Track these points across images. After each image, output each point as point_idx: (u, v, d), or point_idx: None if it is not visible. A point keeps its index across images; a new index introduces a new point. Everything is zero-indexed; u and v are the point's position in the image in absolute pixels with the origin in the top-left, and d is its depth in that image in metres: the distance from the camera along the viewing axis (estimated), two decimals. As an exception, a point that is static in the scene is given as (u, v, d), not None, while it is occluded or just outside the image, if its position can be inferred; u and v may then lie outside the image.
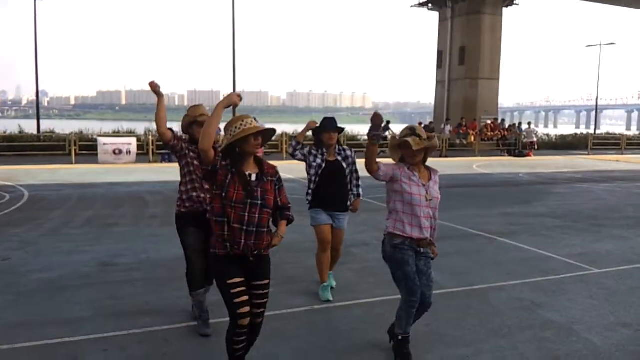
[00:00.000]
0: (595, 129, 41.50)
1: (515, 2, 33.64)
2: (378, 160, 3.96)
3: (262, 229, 3.56)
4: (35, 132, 26.16)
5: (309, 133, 5.73)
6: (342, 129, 5.63)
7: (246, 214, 3.47)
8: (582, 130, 47.44)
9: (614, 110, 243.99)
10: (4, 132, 24.79)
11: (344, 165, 5.51)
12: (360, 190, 5.73)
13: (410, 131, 4.01)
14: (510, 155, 27.54)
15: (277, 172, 3.74)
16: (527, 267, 6.94)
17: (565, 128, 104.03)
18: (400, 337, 4.16)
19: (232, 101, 3.61)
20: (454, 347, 4.45)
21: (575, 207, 11.95)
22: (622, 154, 30.07)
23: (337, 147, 5.54)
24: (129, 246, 7.76)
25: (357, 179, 5.69)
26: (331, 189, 5.44)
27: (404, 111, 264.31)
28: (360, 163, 5.05)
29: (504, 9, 33.32)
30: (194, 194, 4.55)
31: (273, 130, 3.87)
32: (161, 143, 20.33)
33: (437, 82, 34.50)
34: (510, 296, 5.85)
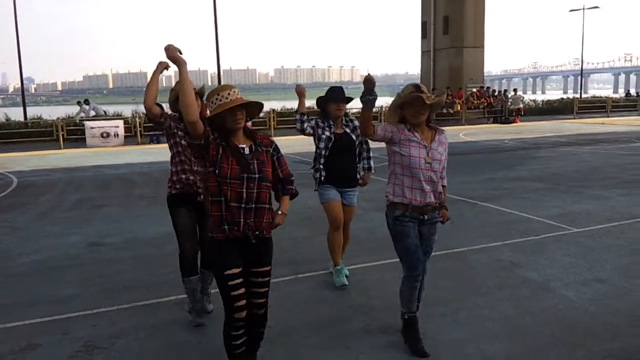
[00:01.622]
0: (581, 93, 41.56)
1: (498, -32, 33.38)
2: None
3: (262, 205, 3.27)
4: (22, 119, 25.98)
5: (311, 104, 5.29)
6: (351, 99, 5.20)
7: (244, 190, 3.19)
8: (570, 95, 47.44)
9: (601, 74, 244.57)
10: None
11: (353, 137, 5.13)
12: (372, 162, 5.35)
13: (415, 88, 3.72)
14: (496, 122, 27.67)
15: (272, 142, 3.42)
16: (507, 229, 7.11)
17: (554, 94, 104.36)
18: (405, 317, 3.95)
19: (169, 56, 3.24)
20: (433, 306, 4.60)
21: (558, 170, 12.14)
22: (608, 116, 30.28)
23: (343, 118, 5.16)
24: (117, 226, 7.87)
25: (368, 150, 5.32)
26: (340, 164, 5.08)
27: (392, 83, 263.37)
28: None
29: (487, -24, 33.11)
30: (183, 176, 4.32)
31: (255, 104, 3.38)
32: (149, 124, 20.36)
33: (423, 52, 34.38)
34: (489, 257, 6.02)
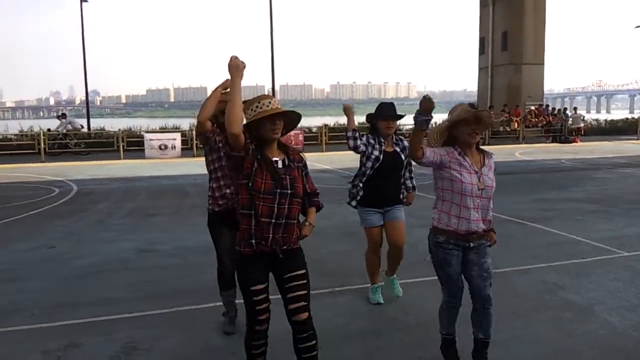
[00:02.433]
0: (647, 113, 40.05)
1: (559, -17, 32.70)
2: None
3: (292, 220, 3.27)
4: (86, 130, 27.17)
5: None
6: (402, 116, 5.01)
7: (275, 205, 3.18)
8: (636, 115, 45.73)
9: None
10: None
11: (402, 157, 4.96)
12: (415, 182, 5.26)
13: (472, 107, 3.52)
14: (555, 141, 26.94)
15: (302, 158, 3.42)
16: (554, 251, 6.93)
17: (619, 113, 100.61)
18: (442, 337, 3.89)
19: (231, 63, 3.21)
20: (467, 328, 4.54)
21: (614, 192, 11.72)
22: (675, 137, 28.97)
23: (393, 136, 4.99)
24: (168, 234, 8.13)
25: (410, 171, 5.19)
26: (385, 184, 4.92)
27: (450, 100, 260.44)
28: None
29: (548, -9, 32.46)
30: (227, 190, 4.27)
31: (295, 114, 3.38)
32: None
33: (480, 68, 33.92)
34: (533, 279, 5.89)
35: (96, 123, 30.96)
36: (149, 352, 4.22)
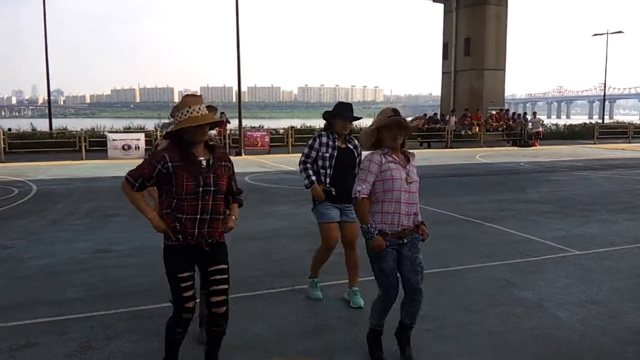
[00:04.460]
0: (603, 119, 41.18)
1: (520, -9, 33.53)
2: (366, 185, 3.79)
3: (217, 215, 3.50)
4: (48, 129, 26.68)
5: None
6: (359, 118, 5.25)
7: (199, 202, 3.40)
8: (595, 120, 47.07)
9: (627, 100, 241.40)
10: (17, 130, 25.29)
11: (355, 153, 5.12)
12: None
13: (394, 112, 3.80)
14: (515, 145, 27.58)
15: (229, 159, 3.67)
16: (508, 250, 7.14)
17: (579, 119, 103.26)
18: (371, 327, 4.06)
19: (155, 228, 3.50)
20: (421, 322, 4.64)
21: (569, 193, 12.10)
22: (630, 142, 29.96)
23: (346, 135, 5.12)
24: (126, 235, 8.07)
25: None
26: (343, 179, 4.98)
27: (416, 104, 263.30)
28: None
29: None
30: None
31: (220, 122, 3.89)
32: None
33: (443, 73, 34.49)
34: (485, 276, 6.06)
35: (59, 123, 30.35)
36: (104, 351, 4.21)
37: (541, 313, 4.98)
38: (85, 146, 21.79)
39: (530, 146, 26.85)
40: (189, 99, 3.49)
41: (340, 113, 4.98)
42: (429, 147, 26.70)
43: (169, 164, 3.38)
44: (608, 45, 40.12)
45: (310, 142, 5.13)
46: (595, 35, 42.00)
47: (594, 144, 28.95)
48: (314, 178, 5.03)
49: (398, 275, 3.89)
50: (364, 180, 3.78)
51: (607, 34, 40.36)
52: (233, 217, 3.67)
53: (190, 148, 3.45)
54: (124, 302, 5.19)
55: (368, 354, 4.08)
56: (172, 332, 3.60)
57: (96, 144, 22.49)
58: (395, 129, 3.76)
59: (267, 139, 23.97)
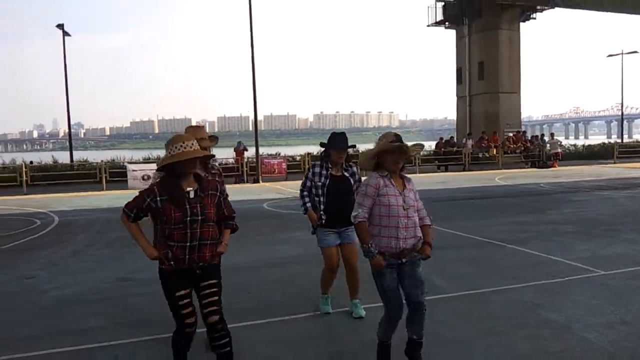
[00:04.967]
0: (622, 138, 40.80)
1: (532, 16, 33.72)
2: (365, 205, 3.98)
3: (206, 241, 3.73)
4: (69, 161, 27.10)
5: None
6: (353, 146, 5.52)
7: (188, 231, 3.65)
8: (614, 139, 46.64)
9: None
10: (39, 162, 25.71)
11: (352, 181, 5.35)
12: None
13: (396, 138, 3.97)
14: (534, 166, 27.37)
15: (217, 186, 3.91)
16: (533, 271, 7.02)
17: (597, 139, 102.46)
18: (378, 342, 4.18)
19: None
20: (446, 346, 4.59)
21: (592, 213, 11.92)
22: (651, 161, 29.59)
23: (343, 163, 5.37)
24: (148, 263, 8.01)
25: None
26: (339, 205, 5.22)
27: (431, 128, 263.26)
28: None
29: (522, 24, 33.39)
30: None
31: (210, 156, 4.35)
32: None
33: (458, 97, 34.58)
34: (511, 298, 5.96)
35: (80, 155, 30.84)
36: (128, 378, 4.20)
37: (569, 335, 4.87)
38: (105, 177, 22.10)
39: (549, 167, 26.63)
40: (181, 136, 3.83)
41: (333, 145, 5.26)
42: (446, 170, 26.61)
43: (157, 198, 3.68)
44: (623, 65, 39.99)
45: (306, 172, 5.49)
46: (610, 55, 41.87)
47: (614, 163, 28.64)
48: (309, 205, 5.38)
49: (402, 292, 4.03)
50: (361, 204, 3.99)
51: (622, 54, 40.23)
52: (223, 242, 3.92)
53: (178, 180, 3.72)
54: (146, 330, 5.18)
55: None
56: (177, 344, 3.88)
57: (116, 175, 22.76)
58: (397, 154, 3.94)
59: (284, 165, 24.09)
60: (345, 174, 5.36)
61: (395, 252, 3.92)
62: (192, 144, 3.76)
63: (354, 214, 4.01)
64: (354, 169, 5.43)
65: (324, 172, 5.34)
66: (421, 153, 27.32)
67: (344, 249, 5.37)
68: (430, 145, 31.27)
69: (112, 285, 6.94)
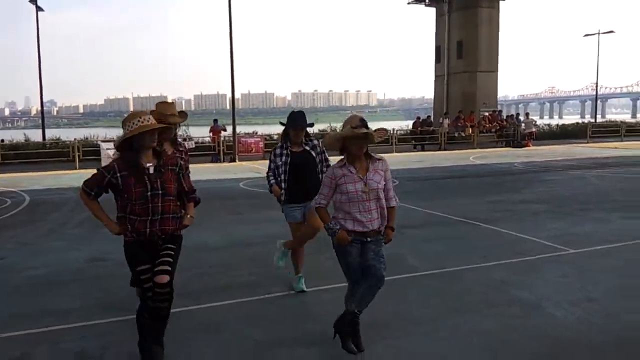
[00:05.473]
0: (595, 118, 41.36)
1: (511, -6, 33.76)
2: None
3: (167, 215, 3.86)
4: (41, 140, 26.60)
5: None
6: (311, 125, 5.59)
7: (149, 205, 3.76)
8: (587, 119, 47.27)
9: (619, 99, 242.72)
10: (10, 141, 25.19)
11: (313, 154, 5.45)
12: None
13: (362, 123, 4.02)
14: (508, 146, 27.66)
15: (177, 162, 4.01)
16: (503, 250, 7.13)
17: (571, 118, 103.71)
18: (352, 311, 4.16)
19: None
20: (415, 325, 4.66)
21: (563, 192, 12.14)
22: (622, 140, 30.09)
23: (303, 138, 5.47)
24: (120, 244, 7.97)
25: (328, 167, 5.39)
26: (302, 180, 5.36)
27: (409, 107, 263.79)
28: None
29: (501, 2, 33.43)
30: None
31: (167, 128, 4.32)
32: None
33: (436, 76, 34.63)
34: (482, 276, 6.05)
35: (53, 133, 30.28)
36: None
37: (538, 312, 4.97)
38: (78, 156, 21.73)
39: (524, 147, 26.92)
40: (136, 112, 3.92)
41: (292, 124, 5.40)
42: (422, 149, 26.76)
43: (118, 174, 3.78)
44: (599, 45, 40.35)
45: (269, 156, 5.63)
46: (586, 35, 42.16)
47: (587, 143, 29.06)
48: (273, 181, 5.52)
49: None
50: (320, 192, 4.22)
51: (599, 33, 40.55)
52: (188, 215, 4.05)
53: (138, 156, 3.80)
54: (118, 311, 5.14)
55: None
56: (141, 318, 3.96)
57: (90, 154, 22.41)
58: (361, 140, 4.02)
59: (261, 144, 23.95)
60: (306, 147, 5.46)
61: (360, 231, 4.06)
62: (149, 118, 3.83)
63: (315, 198, 4.24)
64: (315, 142, 5.53)
65: (284, 151, 5.46)
66: (398, 134, 27.46)
67: (307, 216, 5.43)
68: (407, 124, 31.36)
69: (85, 266, 6.88)
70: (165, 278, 3.81)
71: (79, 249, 7.76)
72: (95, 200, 3.94)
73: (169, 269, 3.85)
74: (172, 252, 3.91)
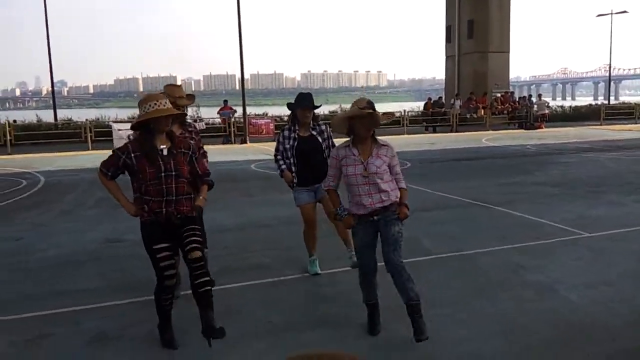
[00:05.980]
0: (609, 100, 40.88)
1: (524, -27, 33.14)
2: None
3: (181, 196, 3.91)
4: (53, 121, 26.70)
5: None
6: (318, 106, 5.59)
7: (164, 187, 3.82)
8: (600, 101, 46.73)
9: (633, 80, 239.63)
10: (22, 121, 25.30)
11: (320, 139, 5.46)
12: None
13: (369, 105, 4.00)
14: (521, 128, 27.44)
15: (189, 145, 4.09)
16: (519, 233, 7.11)
17: (584, 100, 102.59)
18: (365, 304, 4.33)
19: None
20: (434, 308, 4.66)
21: (577, 175, 12.05)
22: (636, 123, 29.73)
23: (311, 123, 5.46)
24: (136, 224, 8.02)
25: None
26: (309, 164, 5.39)
27: (420, 88, 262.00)
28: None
29: (513, -19, 32.89)
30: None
31: (183, 114, 4.51)
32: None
33: (447, 56, 34.23)
34: (497, 260, 6.05)
35: (64, 114, 30.41)
36: (119, 340, 4.24)
37: (553, 295, 4.97)
38: (90, 137, 21.82)
39: (536, 128, 26.70)
40: (154, 94, 3.98)
41: (299, 104, 5.38)
42: (434, 131, 26.61)
43: (132, 155, 3.84)
44: (612, 25, 39.74)
45: (277, 136, 5.64)
46: (599, 15, 41.62)
47: (600, 125, 28.75)
48: (284, 167, 5.50)
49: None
50: (328, 175, 4.28)
51: (612, 14, 39.95)
52: (201, 197, 4.12)
53: (152, 138, 3.86)
54: (136, 292, 5.19)
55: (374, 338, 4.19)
56: (159, 299, 4.01)
57: (101, 134, 22.49)
58: (366, 120, 3.99)
59: (271, 126, 23.92)
60: (313, 132, 5.46)
61: (364, 213, 4.08)
62: (165, 102, 3.89)
63: (324, 181, 4.32)
64: (322, 127, 5.53)
65: (292, 134, 5.46)
66: (409, 115, 27.30)
67: (323, 202, 5.47)
68: (418, 106, 31.13)
69: (102, 246, 6.95)
70: (197, 253, 3.86)
71: (95, 229, 7.84)
72: (112, 181, 4.01)
73: (198, 245, 3.90)
74: (198, 232, 3.97)
